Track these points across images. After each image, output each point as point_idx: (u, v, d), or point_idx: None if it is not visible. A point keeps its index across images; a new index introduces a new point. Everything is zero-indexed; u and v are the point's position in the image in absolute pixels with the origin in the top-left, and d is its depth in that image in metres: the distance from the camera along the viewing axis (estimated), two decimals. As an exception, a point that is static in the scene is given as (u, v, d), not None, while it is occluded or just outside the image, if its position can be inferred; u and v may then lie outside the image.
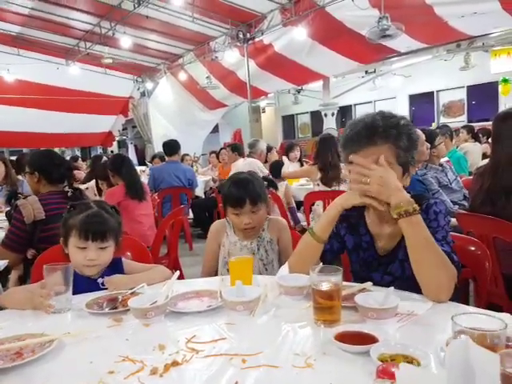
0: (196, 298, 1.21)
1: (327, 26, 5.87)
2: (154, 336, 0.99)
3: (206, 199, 5.67)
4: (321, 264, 1.11)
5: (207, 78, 8.11)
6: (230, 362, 0.85)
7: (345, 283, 1.12)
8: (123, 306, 1.16)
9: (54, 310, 1.17)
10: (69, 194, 2.14)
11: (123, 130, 14.23)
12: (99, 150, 14.80)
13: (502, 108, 7.80)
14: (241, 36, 7.25)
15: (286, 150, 5.35)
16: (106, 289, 1.31)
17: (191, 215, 5.28)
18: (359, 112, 11.63)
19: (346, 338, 0.87)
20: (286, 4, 6.31)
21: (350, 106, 12.01)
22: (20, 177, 3.84)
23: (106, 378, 0.82)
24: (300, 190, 4.20)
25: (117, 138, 13.95)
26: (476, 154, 5.16)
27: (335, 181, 3.52)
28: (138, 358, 0.88)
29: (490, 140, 2.30)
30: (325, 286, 1.00)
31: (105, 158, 4.53)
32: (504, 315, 0.90)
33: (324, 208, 3.35)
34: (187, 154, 6.95)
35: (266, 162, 5.06)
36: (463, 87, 9.87)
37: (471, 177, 2.66)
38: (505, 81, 8.30)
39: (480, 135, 5.79)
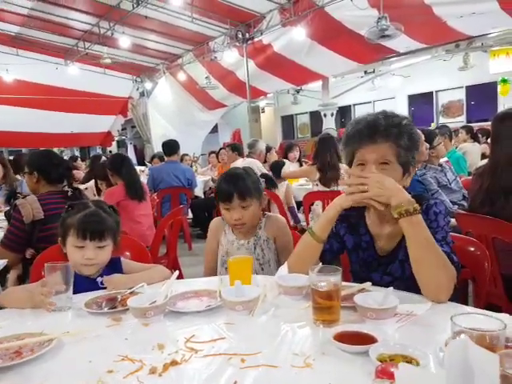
0: (195, 297, 1.21)
1: (326, 26, 5.87)
2: (153, 335, 0.99)
3: (205, 199, 5.67)
4: (320, 264, 1.11)
5: (206, 78, 8.11)
6: (228, 361, 0.85)
7: (344, 283, 1.12)
8: (122, 306, 1.16)
9: (54, 308, 1.17)
10: (68, 193, 2.14)
11: (122, 129, 14.23)
12: (98, 150, 14.79)
13: (500, 108, 7.81)
14: (240, 36, 7.25)
15: (286, 150, 5.35)
16: (105, 288, 1.31)
17: (190, 215, 5.29)
18: (358, 112, 11.63)
19: (345, 338, 0.87)
20: (285, 4, 6.32)
21: (350, 106, 12.02)
22: (19, 176, 3.83)
23: (105, 377, 0.82)
24: (299, 190, 4.20)
25: (116, 138, 13.95)
26: (475, 154, 5.16)
27: (334, 181, 3.51)
28: (137, 357, 0.88)
29: (489, 140, 2.31)
30: (324, 286, 1.00)
31: (104, 158, 4.53)
32: (503, 315, 0.90)
33: (323, 208, 3.36)
34: (186, 154, 6.95)
35: (265, 161, 5.06)
36: (462, 87, 9.88)
37: (470, 177, 2.66)
38: (504, 81, 8.31)
39: (479, 135, 5.79)
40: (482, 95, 9.55)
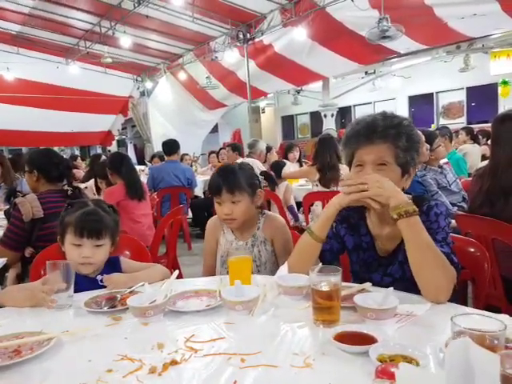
0: (195, 297, 1.21)
1: (327, 26, 5.88)
2: (153, 335, 0.99)
3: (205, 199, 5.67)
4: (320, 264, 1.11)
5: (207, 77, 8.11)
6: (228, 361, 0.85)
7: (344, 284, 1.12)
8: (122, 305, 1.15)
9: (55, 305, 1.17)
10: (68, 192, 2.13)
11: (123, 129, 14.23)
12: (98, 150, 14.79)
13: (501, 110, 7.82)
14: (241, 36, 7.26)
15: (286, 150, 5.35)
16: (105, 286, 1.31)
17: (190, 215, 5.28)
18: (359, 113, 11.62)
19: (345, 338, 0.87)
20: (286, 4, 6.32)
21: (350, 106, 12.01)
22: (17, 175, 3.83)
23: (105, 376, 0.82)
24: (299, 190, 4.20)
25: (116, 138, 13.94)
26: (475, 155, 5.16)
27: (334, 182, 3.51)
28: (137, 356, 0.88)
29: (489, 142, 2.31)
30: (324, 287, 1.00)
31: (104, 157, 4.53)
32: (503, 316, 0.90)
33: (323, 208, 3.35)
34: (186, 154, 6.95)
35: (264, 162, 5.06)
36: (463, 89, 9.88)
37: (470, 178, 2.66)
38: (504, 83, 8.31)
39: (479, 137, 5.79)
40: (482, 97, 9.55)
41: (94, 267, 1.38)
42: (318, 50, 6.35)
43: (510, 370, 0.60)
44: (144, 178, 5.14)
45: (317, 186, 3.64)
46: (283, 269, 1.29)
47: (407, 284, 1.16)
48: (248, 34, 7.23)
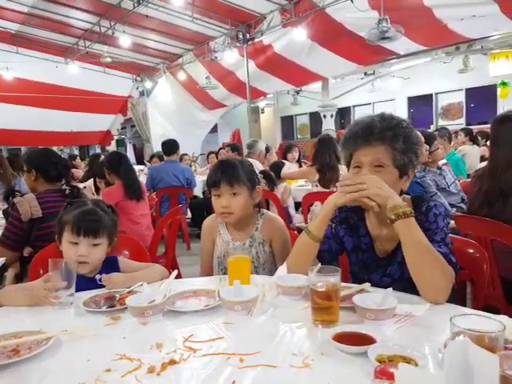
0: (194, 297, 1.21)
1: (327, 27, 5.88)
2: (152, 334, 0.99)
3: (204, 199, 5.66)
4: (319, 264, 1.11)
5: (206, 78, 8.11)
6: (227, 361, 0.84)
7: (343, 284, 1.11)
8: (121, 305, 1.15)
9: (58, 302, 1.17)
10: (66, 192, 2.13)
11: (122, 129, 14.22)
12: (97, 149, 14.78)
13: (500, 111, 7.83)
14: (240, 36, 7.26)
15: (285, 150, 5.35)
16: (104, 286, 1.31)
17: (189, 215, 5.28)
18: (358, 114, 11.64)
19: (344, 338, 0.87)
20: (285, 5, 6.32)
21: (349, 107, 12.02)
22: (15, 174, 3.82)
23: (103, 376, 0.81)
24: (299, 191, 4.20)
25: (115, 137, 13.94)
26: (474, 156, 5.17)
27: (333, 182, 3.51)
28: (136, 356, 0.88)
29: (488, 143, 2.31)
30: (323, 287, 1.00)
31: (103, 157, 4.53)
32: (502, 317, 0.90)
33: (322, 209, 3.34)
34: (186, 154, 6.95)
35: (263, 163, 5.05)
36: (462, 90, 9.90)
37: (469, 179, 2.67)
38: (503, 84, 8.32)
39: (479, 138, 5.80)
40: (481, 98, 9.57)
41: (91, 267, 1.37)
42: (318, 51, 6.36)
43: (509, 371, 0.60)
44: (143, 178, 5.14)
45: (316, 186, 3.64)
46: (282, 269, 1.29)
47: (406, 284, 1.16)
48: (248, 35, 7.24)
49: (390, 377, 0.66)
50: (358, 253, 1.35)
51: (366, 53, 6.14)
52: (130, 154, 14.73)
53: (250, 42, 7.28)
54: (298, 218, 3.88)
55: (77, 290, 1.26)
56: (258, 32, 7.03)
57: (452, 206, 2.72)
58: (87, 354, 0.90)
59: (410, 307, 1.03)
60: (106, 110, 10.72)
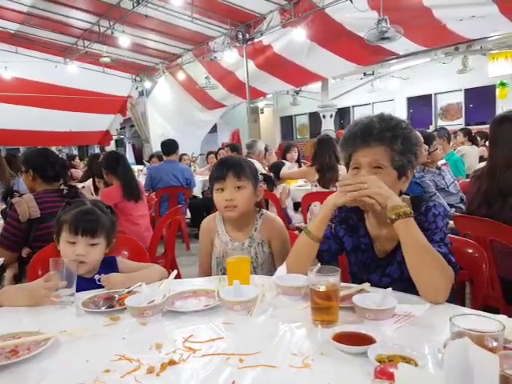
0: (193, 297, 1.20)
1: (326, 27, 5.89)
2: (151, 335, 0.98)
3: (203, 199, 5.66)
4: (319, 264, 1.11)
5: (206, 78, 8.11)
6: (227, 361, 0.84)
7: (343, 284, 1.11)
8: (120, 305, 1.15)
9: (59, 301, 1.17)
10: (64, 192, 2.12)
11: (121, 129, 14.20)
12: (96, 149, 14.77)
13: (499, 111, 7.83)
14: (240, 36, 7.26)
15: (284, 150, 5.35)
16: (103, 286, 1.30)
17: (189, 215, 5.28)
18: (357, 114, 11.65)
19: (344, 338, 0.87)
20: (285, 5, 6.33)
21: (349, 107, 12.03)
22: (13, 174, 3.81)
23: (102, 376, 0.81)
24: (298, 191, 4.20)
25: (114, 137, 13.92)
26: (473, 156, 5.17)
27: (333, 182, 3.51)
28: (135, 356, 0.87)
29: (487, 143, 2.31)
30: (323, 287, 0.99)
31: (102, 157, 4.52)
32: (501, 317, 0.90)
33: (321, 209, 3.34)
34: (185, 154, 6.95)
35: (262, 162, 5.05)
36: (461, 90, 9.91)
37: (468, 179, 2.67)
38: (502, 84, 8.33)
39: (478, 138, 5.81)
40: (480, 98, 9.58)
41: (88, 267, 1.36)
42: (317, 51, 6.36)
43: (509, 371, 0.60)
44: (142, 178, 5.14)
45: (316, 186, 3.64)
46: (282, 269, 1.28)
47: (405, 284, 1.16)
48: (247, 35, 7.24)
49: (390, 377, 0.66)
50: (358, 253, 1.35)
51: (366, 53, 6.15)
52: (129, 154, 14.72)
53: (249, 42, 7.28)
54: (297, 218, 3.89)
55: (76, 291, 1.26)
56: (258, 32, 7.03)
57: (451, 206, 2.72)
58: (86, 355, 0.90)
59: (410, 307, 1.03)
60: (105, 109, 10.71)
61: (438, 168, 2.98)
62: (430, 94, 10.49)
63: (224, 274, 1.41)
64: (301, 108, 12.55)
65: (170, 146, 4.83)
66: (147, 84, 10.25)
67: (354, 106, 12.05)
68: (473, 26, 4.96)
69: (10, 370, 0.85)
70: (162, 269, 1.46)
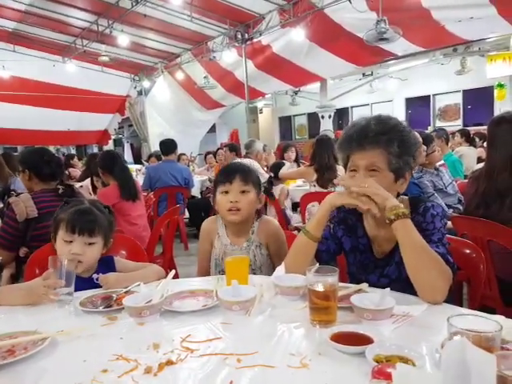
0: (191, 297, 1.20)
1: (325, 27, 5.89)
2: (149, 335, 0.98)
3: (202, 199, 5.66)
4: (317, 264, 1.11)
5: (205, 77, 8.11)
6: (224, 361, 0.84)
7: (341, 284, 1.12)
8: (118, 305, 1.15)
9: (58, 299, 1.17)
10: (60, 191, 2.11)
11: (119, 128, 14.18)
12: (95, 149, 14.74)
13: (497, 112, 7.86)
14: (239, 36, 7.26)
15: (282, 150, 5.36)
16: (100, 286, 1.30)
17: (187, 215, 5.28)
18: (356, 114, 11.67)
19: (342, 338, 0.87)
20: (284, 5, 6.33)
21: (347, 108, 12.05)
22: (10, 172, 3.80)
23: (100, 376, 0.81)
24: (297, 191, 4.21)
25: (113, 137, 13.90)
26: (471, 157, 5.18)
27: (331, 182, 3.52)
28: (132, 356, 0.87)
29: (485, 144, 2.31)
30: (321, 287, 1.00)
31: (100, 157, 4.51)
32: (498, 317, 0.90)
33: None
34: (184, 154, 6.94)
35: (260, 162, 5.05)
36: (459, 91, 9.94)
37: (466, 180, 2.67)
38: (500, 86, 8.35)
39: (476, 139, 5.82)
40: (478, 99, 9.61)
41: (84, 266, 1.35)
42: (316, 51, 6.37)
43: (506, 371, 0.60)
44: (141, 178, 5.13)
45: (314, 186, 3.65)
46: (280, 269, 1.28)
47: (404, 285, 1.16)
48: (246, 35, 7.24)
49: (388, 377, 0.66)
50: (356, 253, 1.35)
51: (364, 54, 6.16)
52: (128, 153, 14.71)
53: (248, 42, 7.28)
54: (296, 219, 3.89)
55: (74, 290, 1.25)
56: (257, 32, 7.03)
57: (449, 206, 2.72)
58: (83, 355, 0.90)
59: (408, 307, 1.04)
60: (103, 109, 10.68)
61: (436, 169, 2.98)
62: (429, 95, 10.52)
63: (222, 275, 1.41)
64: (300, 108, 12.56)
65: (168, 146, 4.82)
66: (146, 83, 10.23)
67: (352, 107, 12.06)
68: (471, 27, 4.97)
69: (6, 370, 0.85)
70: (160, 269, 1.46)
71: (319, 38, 6.16)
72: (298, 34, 6.13)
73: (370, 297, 1.04)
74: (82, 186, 3.71)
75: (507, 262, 1.75)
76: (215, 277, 1.42)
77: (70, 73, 8.96)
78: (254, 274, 1.57)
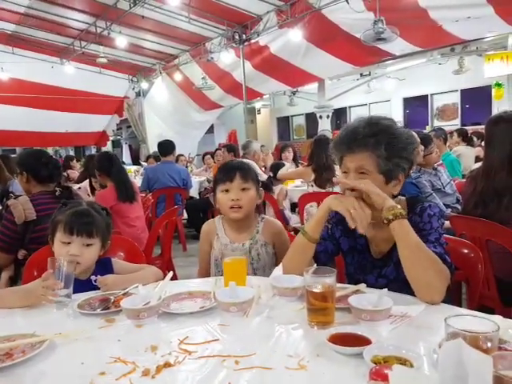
0: (189, 298, 1.20)
1: (323, 28, 5.90)
2: (147, 337, 0.98)
3: (200, 200, 5.66)
4: (315, 265, 1.11)
5: (203, 78, 8.10)
6: (222, 363, 0.84)
7: (338, 285, 1.12)
8: (115, 307, 1.15)
9: (56, 299, 1.17)
10: (57, 193, 2.11)
11: (118, 129, 14.16)
12: (93, 150, 14.72)
13: (494, 112, 7.86)
14: (237, 37, 7.26)
15: (280, 151, 5.36)
16: (98, 288, 1.30)
17: (185, 216, 5.27)
18: (354, 114, 11.67)
19: (340, 339, 0.87)
20: (281, 6, 6.33)
21: (345, 108, 12.05)
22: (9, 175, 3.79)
23: (97, 379, 0.81)
24: (295, 191, 4.21)
25: (111, 138, 13.88)
26: (469, 157, 5.19)
27: (329, 182, 3.52)
28: (130, 359, 0.87)
29: (483, 143, 2.31)
30: (319, 288, 0.99)
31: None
32: (496, 317, 0.90)
33: (318, 209, 3.35)
34: (182, 155, 6.93)
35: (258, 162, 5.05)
36: (457, 91, 9.95)
37: (464, 180, 2.67)
38: (498, 85, 8.36)
39: (475, 138, 5.83)
40: (476, 99, 9.62)
41: (82, 268, 1.35)
42: (314, 52, 6.37)
43: (503, 371, 0.60)
44: (139, 179, 5.12)
45: (312, 186, 3.65)
46: (278, 270, 1.28)
47: (402, 285, 1.16)
48: (244, 35, 7.23)
49: (385, 378, 0.66)
50: (354, 254, 1.35)
51: (362, 54, 6.16)
52: (126, 154, 14.67)
53: (246, 43, 7.27)
54: (294, 219, 3.89)
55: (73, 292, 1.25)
56: (255, 33, 7.03)
57: (447, 206, 2.72)
58: (81, 357, 0.90)
59: (406, 308, 1.04)
60: (101, 110, 10.68)
61: (434, 168, 2.98)
62: (427, 95, 10.53)
63: (222, 275, 1.41)
64: (297, 109, 12.56)
65: (166, 147, 4.82)
66: (144, 85, 10.22)
67: (350, 107, 12.07)
68: (468, 27, 4.98)
69: (4, 374, 0.85)
70: (158, 270, 1.46)
71: (317, 39, 6.17)
72: (296, 35, 6.14)
73: (367, 297, 1.04)
74: (80, 188, 3.70)
75: (505, 262, 1.76)
76: (213, 278, 1.42)
77: (69, 74, 8.95)
78: (256, 273, 1.60)
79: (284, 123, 14.27)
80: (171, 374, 0.82)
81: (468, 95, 9.81)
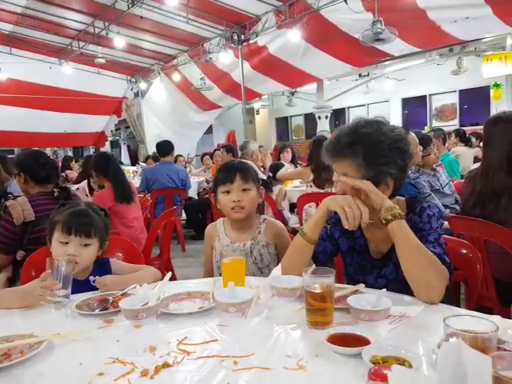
0: (188, 299, 1.20)
1: (321, 28, 5.90)
2: (145, 337, 0.98)
3: (199, 200, 5.65)
4: (314, 265, 1.11)
5: (201, 79, 8.09)
6: (221, 363, 0.84)
7: (337, 285, 1.11)
8: (114, 307, 1.14)
9: (55, 299, 1.16)
10: (55, 194, 2.10)
11: (116, 130, 14.16)
12: (91, 150, 14.70)
13: (493, 112, 7.88)
14: (235, 37, 7.26)
15: (279, 151, 5.36)
16: (97, 288, 1.30)
17: (184, 216, 5.27)
18: (353, 115, 11.69)
19: (338, 339, 0.87)
20: (280, 6, 6.33)
21: (344, 108, 12.07)
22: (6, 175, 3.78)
23: (96, 379, 0.81)
24: (294, 192, 4.21)
25: (109, 139, 13.86)
26: (468, 157, 5.20)
27: (328, 182, 3.52)
28: (129, 359, 0.87)
29: (481, 144, 2.32)
30: (317, 288, 0.99)
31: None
32: (495, 317, 0.90)
33: (317, 210, 3.35)
34: (180, 155, 6.93)
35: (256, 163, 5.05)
36: (455, 91, 9.98)
37: (463, 180, 2.68)
38: (496, 85, 8.39)
39: (473, 139, 5.84)
40: (474, 99, 9.65)
41: (80, 268, 1.34)
42: (313, 52, 6.38)
43: (502, 372, 0.60)
44: (138, 180, 5.12)
45: (311, 186, 3.65)
46: (277, 270, 1.28)
47: (401, 285, 1.16)
48: (242, 36, 7.23)
49: (384, 378, 0.66)
50: (353, 254, 1.35)
51: (361, 54, 6.17)
52: (125, 155, 14.69)
53: (244, 44, 7.27)
54: (293, 220, 3.89)
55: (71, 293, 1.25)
56: (253, 33, 7.03)
57: (446, 207, 2.73)
58: (79, 358, 0.89)
59: (405, 308, 1.04)
60: (100, 111, 10.66)
61: (433, 169, 2.98)
62: (425, 95, 10.55)
63: (220, 277, 1.41)
64: (296, 109, 12.57)
65: (165, 147, 4.81)
66: (142, 85, 10.21)
67: (349, 107, 12.09)
68: (467, 27, 4.99)
69: (2, 374, 0.85)
70: (156, 270, 1.46)
71: (315, 39, 6.18)
72: (294, 35, 6.14)
73: (366, 298, 1.04)
74: (78, 189, 3.69)
75: (504, 262, 1.76)
76: (212, 278, 1.42)
77: (67, 75, 8.93)
78: (262, 272, 1.62)
79: (283, 124, 14.27)
80: (170, 375, 0.81)
81: (466, 96, 9.83)
